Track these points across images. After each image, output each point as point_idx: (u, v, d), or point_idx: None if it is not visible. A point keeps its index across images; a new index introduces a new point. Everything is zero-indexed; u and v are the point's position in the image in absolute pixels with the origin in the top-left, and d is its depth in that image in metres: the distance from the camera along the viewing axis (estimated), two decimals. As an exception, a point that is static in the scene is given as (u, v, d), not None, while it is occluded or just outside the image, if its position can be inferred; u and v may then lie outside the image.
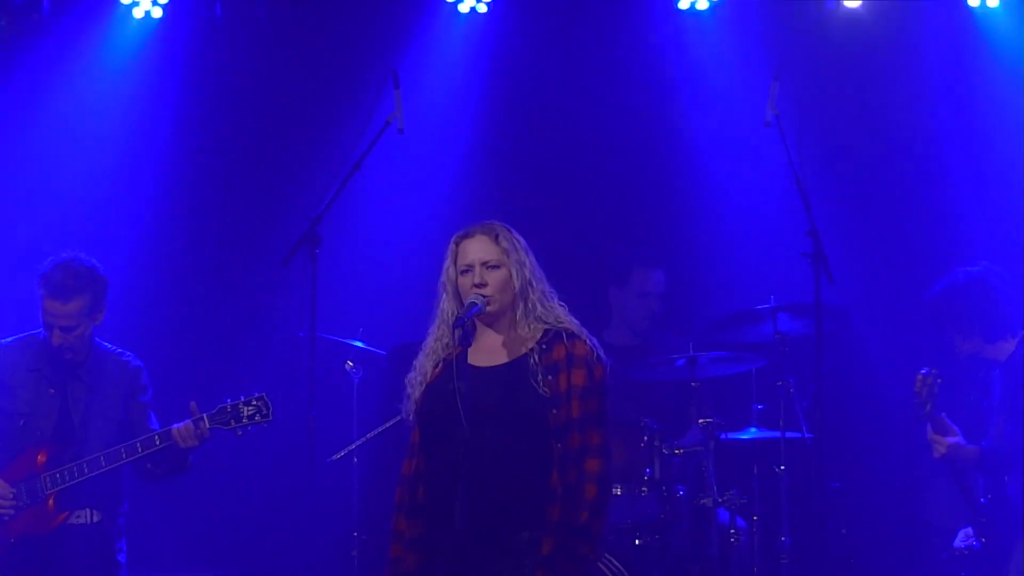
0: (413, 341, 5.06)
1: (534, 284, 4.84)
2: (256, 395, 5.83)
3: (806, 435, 6.69)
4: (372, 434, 6.66)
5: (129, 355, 6.10)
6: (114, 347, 6.11)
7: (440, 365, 4.84)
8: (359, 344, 7.09)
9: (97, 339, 6.06)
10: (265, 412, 5.81)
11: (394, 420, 6.30)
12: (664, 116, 7.83)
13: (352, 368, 7.03)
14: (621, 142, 7.91)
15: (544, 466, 4.67)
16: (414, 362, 4.92)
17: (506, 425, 4.68)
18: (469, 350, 4.68)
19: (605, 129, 7.93)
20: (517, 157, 7.96)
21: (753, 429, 6.99)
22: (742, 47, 7.73)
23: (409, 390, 4.88)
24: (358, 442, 6.75)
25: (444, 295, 4.89)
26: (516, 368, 4.76)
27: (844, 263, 6.33)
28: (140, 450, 5.80)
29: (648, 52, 7.84)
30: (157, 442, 5.79)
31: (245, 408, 5.79)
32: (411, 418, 4.87)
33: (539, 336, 4.80)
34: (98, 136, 7.75)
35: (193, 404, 5.81)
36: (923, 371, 6.01)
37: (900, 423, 7.44)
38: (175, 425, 5.81)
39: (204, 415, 5.79)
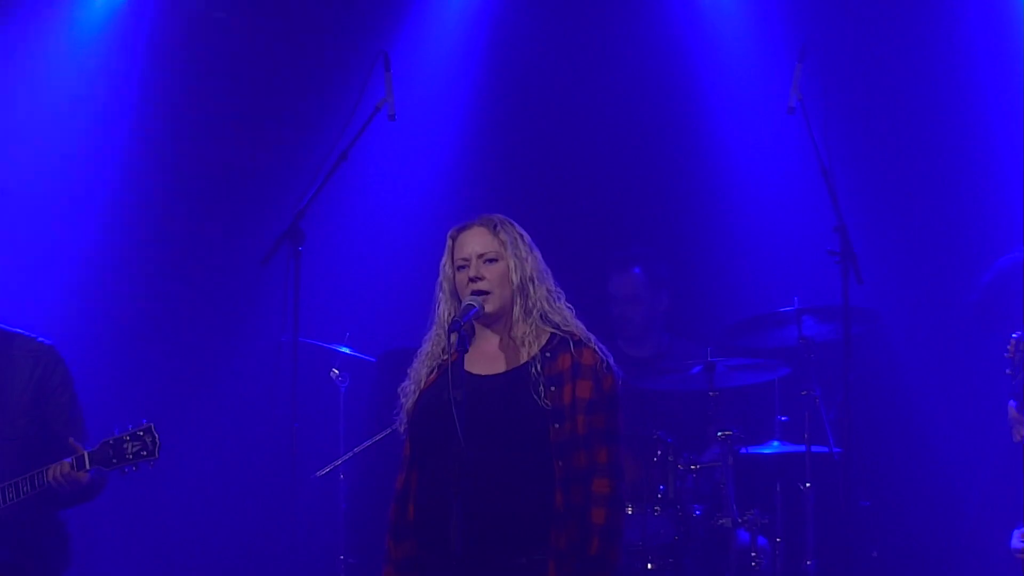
0: (404, 347, 5.07)
1: (536, 281, 4.82)
2: (143, 424, 5.41)
3: (833, 449, 6.69)
4: (360, 448, 6.66)
5: (48, 342, 5.67)
6: (27, 332, 5.69)
7: (435, 371, 4.84)
8: (346, 350, 7.09)
9: None
10: (151, 448, 5.37)
11: (384, 433, 6.30)
12: (678, 102, 7.82)
13: (338, 376, 7.03)
14: (631, 131, 7.90)
15: (547, 486, 4.66)
16: (408, 369, 4.92)
17: (504, 440, 4.66)
18: (467, 356, 4.67)
19: (613, 117, 7.92)
20: (518, 146, 7.95)
21: (776, 443, 6.99)
22: (763, 25, 7.73)
23: (402, 399, 4.88)
24: (345, 457, 6.75)
25: (441, 295, 4.88)
26: (516, 377, 4.74)
27: (874, 262, 6.33)
28: (26, 490, 5.44)
29: (660, 32, 7.83)
30: (37, 482, 5.41)
31: (130, 444, 5.37)
32: (403, 429, 4.87)
33: (544, 342, 4.79)
34: (58, 123, 7.73)
35: (71, 440, 5.43)
36: (1016, 334, 5.87)
37: (935, 435, 7.44)
38: (50, 464, 5.43)
39: (85, 453, 5.39)
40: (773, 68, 7.41)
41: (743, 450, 6.82)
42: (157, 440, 5.38)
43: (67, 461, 5.41)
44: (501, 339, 4.83)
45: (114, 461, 5.38)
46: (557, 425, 4.67)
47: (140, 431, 5.39)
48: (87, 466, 5.39)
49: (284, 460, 5.60)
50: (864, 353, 6.60)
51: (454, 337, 4.64)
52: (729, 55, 7.80)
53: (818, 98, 5.82)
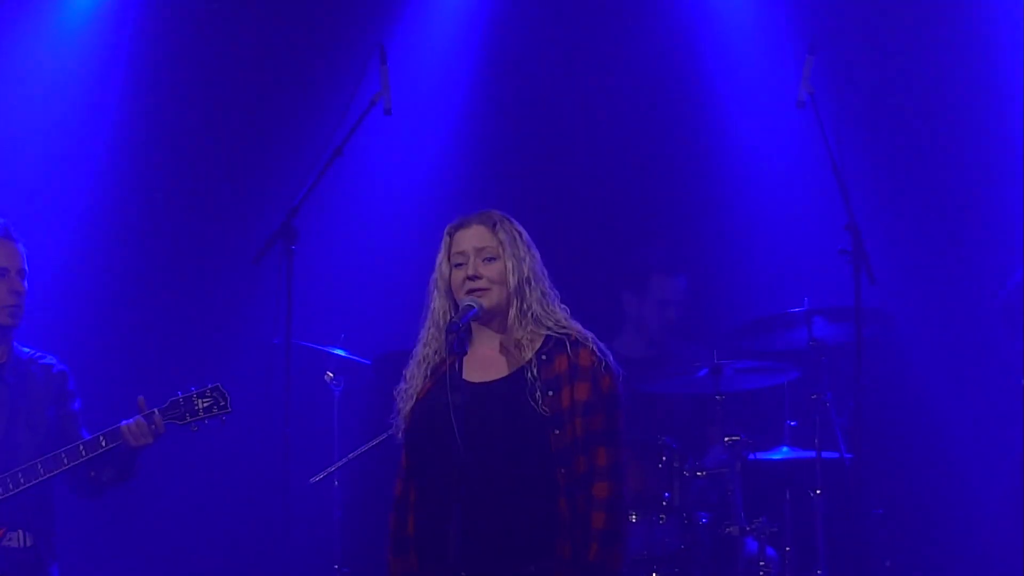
0: (401, 349, 5.05)
1: (532, 282, 4.82)
2: (210, 386, 5.79)
3: (844, 455, 6.68)
4: (356, 454, 6.64)
5: (51, 358, 6.04)
6: (33, 350, 6.04)
7: (430, 378, 4.82)
8: (340, 352, 7.07)
9: (14, 343, 5.99)
10: (223, 403, 5.78)
11: (381, 438, 6.29)
12: (685, 96, 7.80)
13: (333, 379, 7.02)
14: (636, 126, 7.88)
15: (549, 494, 4.65)
16: (404, 372, 4.91)
17: (504, 449, 4.65)
18: (463, 361, 4.66)
19: (616, 111, 7.90)
20: (519, 142, 7.93)
21: (785, 448, 6.98)
22: (772, 16, 7.71)
23: (399, 404, 4.86)
24: (340, 463, 6.73)
25: (436, 293, 4.87)
26: (513, 383, 4.73)
27: (887, 261, 6.32)
28: (84, 453, 5.73)
29: (666, 24, 7.81)
30: (103, 443, 5.73)
31: (199, 400, 5.77)
32: (400, 436, 4.85)
33: (539, 345, 4.78)
34: (41, 118, 7.71)
35: (141, 399, 5.76)
36: None
37: (950, 440, 7.43)
38: (123, 422, 5.74)
39: (155, 410, 5.75)
40: (782, 61, 7.39)
41: (751, 456, 6.80)
42: (227, 395, 5.79)
43: (138, 418, 5.74)
44: (496, 343, 4.83)
45: (186, 417, 5.77)
46: (557, 431, 4.67)
47: (207, 390, 5.79)
48: (158, 420, 5.74)
49: (277, 466, 5.59)
50: (876, 355, 6.58)
51: (451, 338, 4.63)
52: (736, 46, 7.78)
53: (829, 92, 5.82)
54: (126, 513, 7.35)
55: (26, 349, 6.02)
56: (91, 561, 7.21)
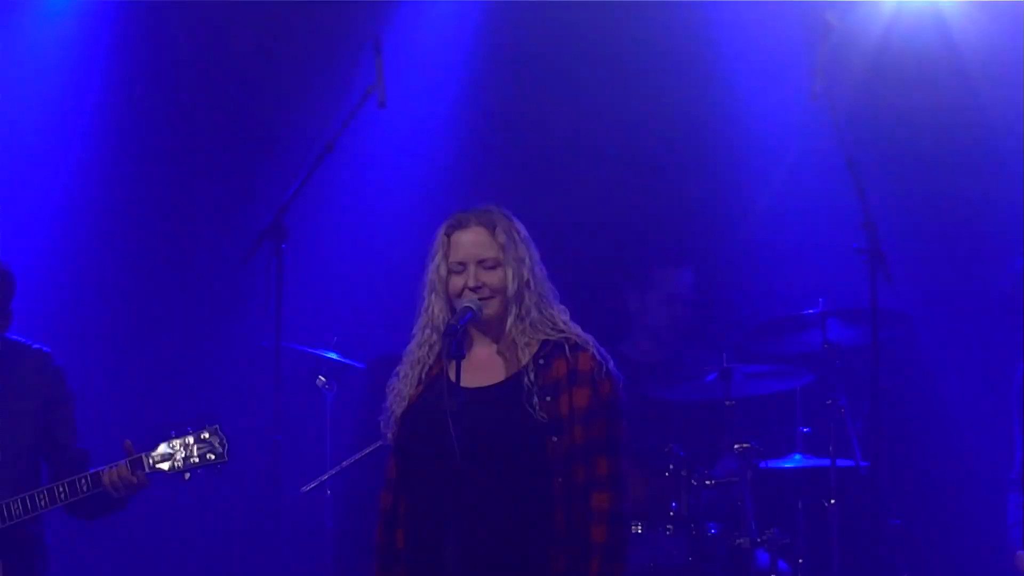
0: (396, 352, 5.03)
1: (532, 285, 4.80)
2: (208, 427, 5.44)
3: (860, 463, 6.67)
4: (348, 462, 6.65)
5: (46, 349, 5.77)
6: (25, 339, 5.80)
7: (424, 380, 4.80)
8: (333, 356, 7.07)
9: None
10: (220, 451, 5.40)
11: (375, 445, 6.28)
12: (693, 86, 7.78)
13: (325, 384, 7.01)
14: (641, 118, 7.86)
15: (546, 504, 4.64)
16: (397, 369, 4.88)
17: (498, 456, 4.64)
18: (459, 365, 4.63)
19: (620, 105, 7.88)
20: (518, 136, 7.92)
21: (798, 456, 6.97)
22: (785, 5, 7.69)
23: (390, 403, 4.84)
24: (332, 471, 6.73)
25: (432, 294, 4.84)
26: (509, 388, 4.72)
27: (905, 260, 6.29)
28: (63, 497, 5.49)
29: (673, 13, 7.79)
30: (82, 488, 5.48)
31: (195, 446, 5.42)
32: (390, 437, 4.82)
33: (536, 348, 4.76)
34: (19, 108, 7.69)
35: (128, 443, 5.46)
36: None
37: (969, 447, 7.42)
38: (105, 468, 5.48)
39: (142, 455, 5.44)
40: (795, 50, 7.37)
41: (762, 464, 6.80)
42: (225, 442, 5.39)
43: (123, 463, 5.43)
44: (492, 347, 4.82)
45: (177, 465, 5.38)
46: (555, 438, 4.65)
47: (204, 432, 5.40)
48: (146, 469, 5.41)
49: (267, 475, 5.58)
50: (893, 359, 6.57)
51: (449, 342, 4.61)
52: (748, 37, 7.75)
53: (845, 83, 5.80)
54: (113, 521, 7.32)
55: (15, 337, 5.79)
56: (78, 569, 7.20)
